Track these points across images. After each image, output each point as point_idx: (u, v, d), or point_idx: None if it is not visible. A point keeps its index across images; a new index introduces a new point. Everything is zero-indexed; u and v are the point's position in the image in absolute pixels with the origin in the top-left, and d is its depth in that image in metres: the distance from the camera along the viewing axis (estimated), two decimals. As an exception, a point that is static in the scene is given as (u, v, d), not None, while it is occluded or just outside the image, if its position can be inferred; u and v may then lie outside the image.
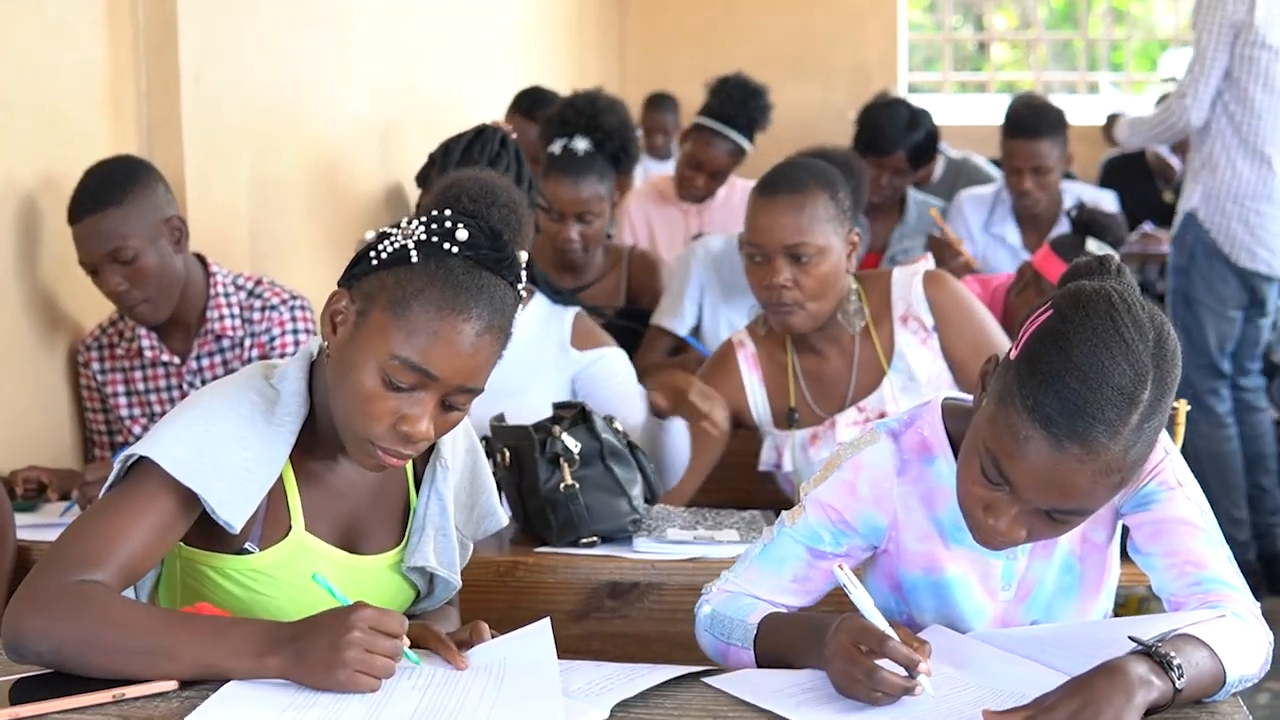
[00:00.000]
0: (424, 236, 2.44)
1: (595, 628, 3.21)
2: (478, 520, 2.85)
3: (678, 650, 2.90)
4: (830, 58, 10.23)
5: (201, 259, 4.17)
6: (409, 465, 2.71)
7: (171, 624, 2.36)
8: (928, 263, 3.97)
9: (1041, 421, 2.25)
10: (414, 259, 2.43)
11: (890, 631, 2.32)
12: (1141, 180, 8.34)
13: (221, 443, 2.47)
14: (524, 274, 2.52)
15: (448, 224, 2.46)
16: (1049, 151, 6.30)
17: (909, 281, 3.84)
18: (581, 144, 5.14)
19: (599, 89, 5.60)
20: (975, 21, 13.90)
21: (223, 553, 2.56)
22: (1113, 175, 8.28)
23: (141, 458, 2.46)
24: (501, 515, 2.89)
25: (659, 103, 8.88)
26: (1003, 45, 13.88)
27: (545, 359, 3.96)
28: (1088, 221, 5.21)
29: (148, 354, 4.12)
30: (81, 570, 2.37)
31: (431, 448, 2.70)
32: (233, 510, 2.46)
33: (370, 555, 2.67)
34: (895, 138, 6.43)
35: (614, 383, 3.96)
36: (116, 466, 2.49)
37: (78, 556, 2.39)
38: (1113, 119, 8.07)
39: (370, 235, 2.51)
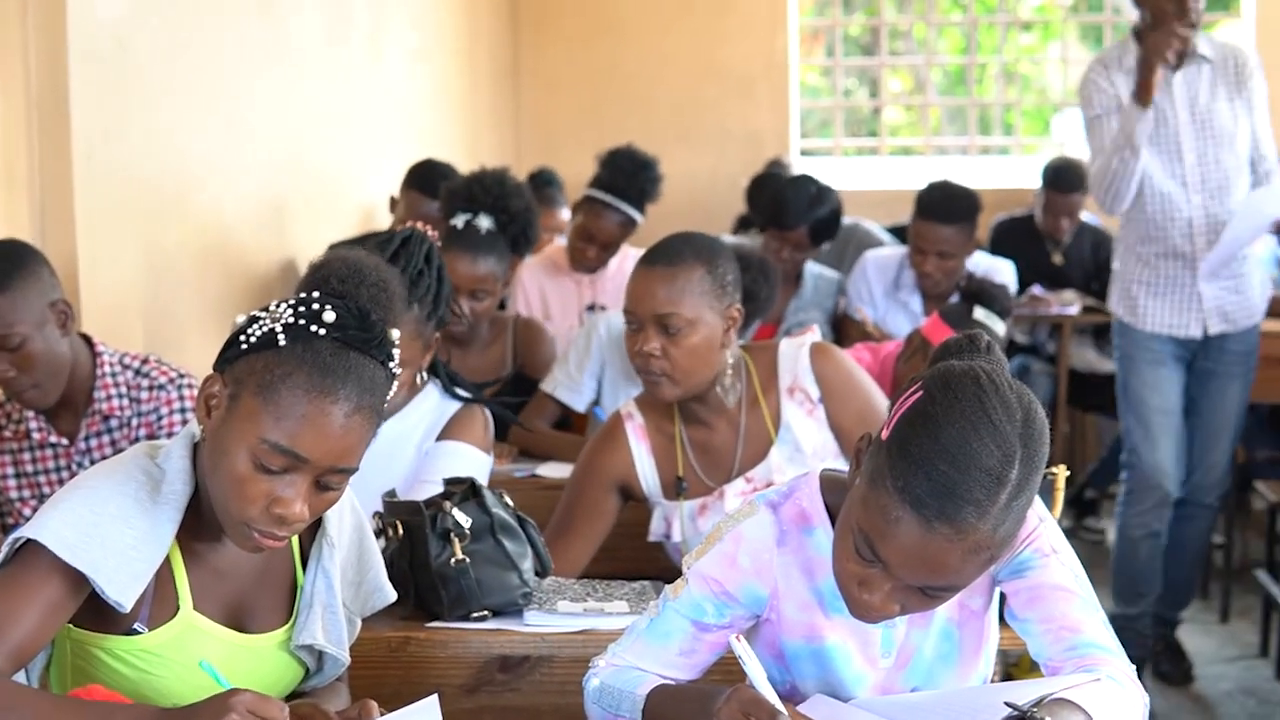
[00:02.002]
0: (291, 319, 2.47)
1: (486, 701, 3.21)
2: (365, 596, 2.87)
3: (568, 723, 2.94)
4: (722, 125, 10.28)
5: (87, 339, 4.16)
6: (295, 543, 2.73)
7: (60, 709, 2.37)
8: (814, 334, 4.01)
9: (911, 503, 2.30)
10: (281, 342, 2.45)
11: (780, 706, 2.36)
12: (1030, 244, 8.44)
13: (108, 522, 2.48)
14: (395, 350, 2.54)
15: (315, 306, 2.49)
16: (954, 238, 6.39)
17: (795, 354, 3.88)
18: (485, 222, 5.15)
19: (505, 169, 5.58)
20: (871, 85, 14.03)
21: (112, 633, 2.57)
22: (1002, 239, 8.37)
23: (29, 540, 2.47)
24: (389, 591, 2.91)
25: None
26: (897, 109, 14.01)
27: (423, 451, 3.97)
28: (976, 291, 5.28)
29: (35, 436, 4.11)
30: (-28, 655, 2.38)
31: (317, 525, 2.72)
32: (122, 589, 2.47)
33: (259, 634, 2.68)
34: (800, 214, 6.49)
35: (432, 465, 3.91)
36: (4, 550, 2.50)
37: (-33, 642, 2.40)
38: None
39: (241, 319, 2.53)
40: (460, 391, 4.01)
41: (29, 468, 4.15)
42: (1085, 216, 8.65)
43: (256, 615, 2.68)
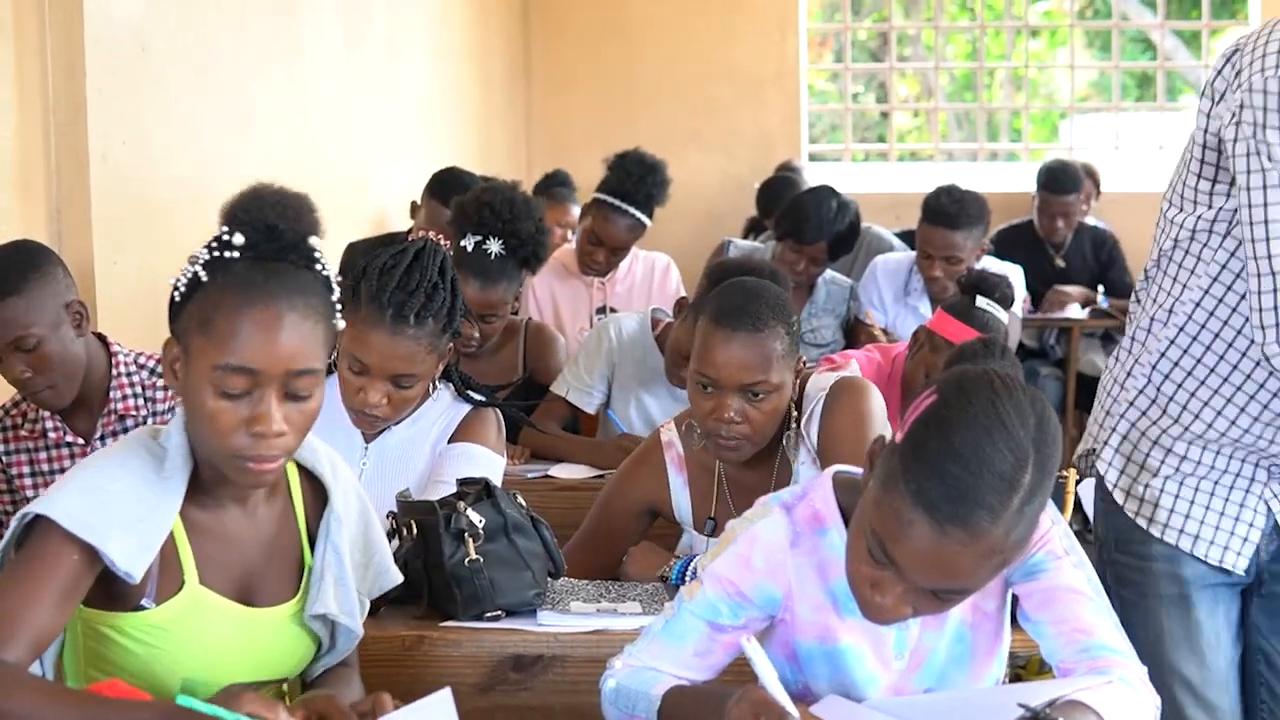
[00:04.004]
0: (207, 256, 2.58)
1: (500, 700, 3.22)
2: (374, 577, 2.91)
3: (581, 722, 2.95)
4: (732, 128, 10.30)
5: (103, 339, 4.18)
6: (301, 522, 2.76)
7: (84, 708, 2.40)
8: (850, 370, 3.95)
9: (924, 506, 2.31)
10: (204, 279, 2.56)
11: (791, 707, 2.37)
12: (1032, 249, 8.47)
13: (116, 497, 2.53)
14: (317, 254, 2.62)
15: (225, 236, 2.58)
16: (963, 243, 6.40)
17: (817, 396, 3.78)
18: (495, 246, 5.01)
19: (515, 185, 5.44)
20: (879, 90, 14.04)
21: (120, 611, 2.60)
22: (1004, 245, 8.38)
23: (38, 517, 2.51)
24: (396, 573, 2.95)
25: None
26: (905, 114, 14.02)
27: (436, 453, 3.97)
28: (976, 282, 5.27)
29: (52, 435, 4.13)
30: (-10, 650, 2.41)
31: (324, 505, 2.76)
32: (132, 561, 2.52)
33: (266, 607, 2.71)
34: (820, 228, 6.43)
35: (445, 466, 3.88)
36: (13, 525, 2.54)
37: (-15, 634, 2.43)
38: None
39: (171, 280, 2.62)
40: (472, 394, 4.03)
41: (45, 466, 4.17)
42: (1090, 220, 8.70)
43: (263, 589, 2.72)
